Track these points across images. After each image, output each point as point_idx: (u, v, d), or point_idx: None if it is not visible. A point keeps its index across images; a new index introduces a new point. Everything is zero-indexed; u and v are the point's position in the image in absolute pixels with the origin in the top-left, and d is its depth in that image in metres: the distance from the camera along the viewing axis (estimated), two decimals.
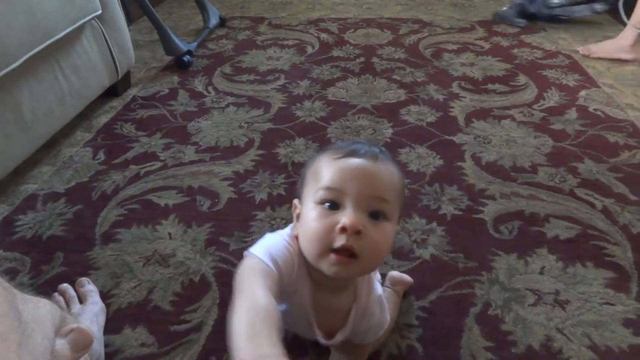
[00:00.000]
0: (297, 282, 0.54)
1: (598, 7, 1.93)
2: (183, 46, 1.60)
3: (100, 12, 1.22)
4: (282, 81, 1.51)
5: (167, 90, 1.45)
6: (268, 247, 0.52)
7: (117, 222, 0.93)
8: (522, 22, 1.97)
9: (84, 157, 1.13)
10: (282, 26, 2.00)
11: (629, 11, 1.67)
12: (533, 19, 2.00)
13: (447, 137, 1.19)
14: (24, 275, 0.81)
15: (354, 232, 0.47)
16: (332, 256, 0.48)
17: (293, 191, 0.51)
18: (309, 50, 1.75)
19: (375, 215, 0.50)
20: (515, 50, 1.72)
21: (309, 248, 0.51)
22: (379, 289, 0.62)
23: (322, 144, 1.17)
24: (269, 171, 1.06)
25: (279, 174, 1.05)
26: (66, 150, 1.16)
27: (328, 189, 0.50)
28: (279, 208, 0.95)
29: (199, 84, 1.49)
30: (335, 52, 1.72)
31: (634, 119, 1.26)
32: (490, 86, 1.46)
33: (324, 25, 2.00)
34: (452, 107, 1.33)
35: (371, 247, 0.49)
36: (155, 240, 0.88)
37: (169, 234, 0.90)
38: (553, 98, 1.38)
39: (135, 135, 1.22)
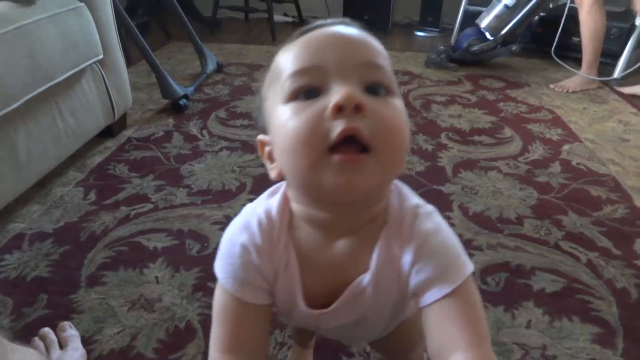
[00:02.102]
0: (282, 257, 0.42)
1: (514, 47, 2.16)
2: (180, 90, 1.64)
3: (102, 56, 1.26)
4: None
5: (162, 133, 1.48)
6: (224, 260, 0.42)
7: (104, 265, 0.92)
8: (453, 66, 2.18)
9: (75, 197, 1.13)
10: None
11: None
12: (461, 63, 2.20)
13: (435, 186, 1.22)
14: (5, 317, 0.79)
15: (354, 107, 0.33)
16: (336, 157, 0.33)
17: None
18: None
19: (374, 90, 0.35)
20: (500, 104, 1.79)
21: (295, 162, 0.35)
22: (422, 205, 0.44)
23: None
24: None
25: None
26: (57, 189, 1.16)
27: (297, 72, 0.36)
28: None
29: (193, 127, 1.52)
30: None
31: (615, 174, 1.30)
32: (477, 138, 1.51)
33: None
34: (441, 157, 1.37)
35: (385, 127, 0.34)
36: (141, 284, 0.87)
37: (156, 277, 0.89)
38: (537, 151, 1.43)
39: (128, 176, 1.23)
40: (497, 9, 2.10)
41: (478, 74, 2.13)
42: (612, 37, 2.07)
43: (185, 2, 2.62)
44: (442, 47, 2.26)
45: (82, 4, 1.18)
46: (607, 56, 2.11)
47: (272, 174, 0.41)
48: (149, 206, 1.10)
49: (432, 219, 0.44)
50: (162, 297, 0.84)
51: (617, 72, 2.10)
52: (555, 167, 1.34)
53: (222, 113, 1.64)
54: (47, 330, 0.75)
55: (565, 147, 1.46)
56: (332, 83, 0.35)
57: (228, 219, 1.06)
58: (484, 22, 2.15)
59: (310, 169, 0.34)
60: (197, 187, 1.19)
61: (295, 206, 0.42)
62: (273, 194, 0.45)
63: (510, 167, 1.33)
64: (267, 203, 0.44)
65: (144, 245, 0.97)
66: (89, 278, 0.88)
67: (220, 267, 0.42)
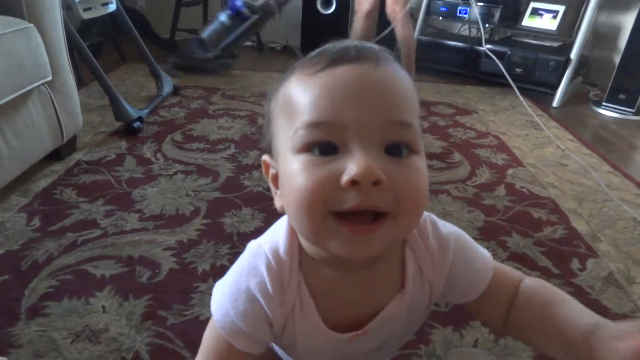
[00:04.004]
0: (295, 297, 0.40)
1: (229, 62, 2.34)
2: (134, 112, 1.61)
3: (50, 78, 1.23)
4: (232, 150, 1.54)
5: (113, 156, 1.44)
6: (226, 302, 0.41)
7: (46, 294, 0.87)
8: (177, 73, 2.29)
9: (17, 223, 1.08)
10: (235, 97, 2.07)
11: None
12: (186, 70, 2.32)
13: None
14: None
15: (372, 183, 0.31)
16: (345, 228, 0.32)
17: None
18: (260, 121, 1.82)
19: (396, 150, 0.33)
20: (450, 130, 1.88)
21: (299, 222, 0.34)
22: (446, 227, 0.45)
23: (269, 214, 1.19)
24: (213, 241, 1.06)
25: (223, 244, 1.05)
26: None
27: (313, 125, 0.32)
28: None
29: (147, 151, 1.50)
30: None
31: (554, 197, 1.39)
32: (428, 162, 1.56)
33: None
34: None
35: (405, 195, 0.32)
36: (87, 315, 0.84)
37: (103, 307, 0.86)
38: (484, 175, 1.50)
39: (76, 201, 1.19)
40: (216, 25, 2.28)
41: (429, 101, 2.22)
42: (550, 69, 2.23)
43: (141, 23, 2.60)
44: (172, 60, 2.38)
45: (31, 25, 1.15)
46: (547, 86, 2.27)
47: (277, 205, 0.38)
48: (98, 232, 1.06)
49: (444, 223, 0.46)
50: (108, 327, 0.81)
51: (556, 101, 2.26)
52: (501, 191, 1.41)
53: (177, 136, 1.63)
54: None
55: (510, 171, 1.54)
56: (351, 144, 0.32)
57: (181, 244, 1.04)
58: (206, 34, 2.30)
59: (314, 234, 0.33)
60: (149, 211, 1.16)
61: (304, 242, 0.40)
62: (278, 228, 0.42)
63: (459, 190, 1.39)
64: (272, 240, 0.41)
65: (90, 273, 0.93)
66: (29, 309, 0.84)
67: (220, 306, 0.41)
